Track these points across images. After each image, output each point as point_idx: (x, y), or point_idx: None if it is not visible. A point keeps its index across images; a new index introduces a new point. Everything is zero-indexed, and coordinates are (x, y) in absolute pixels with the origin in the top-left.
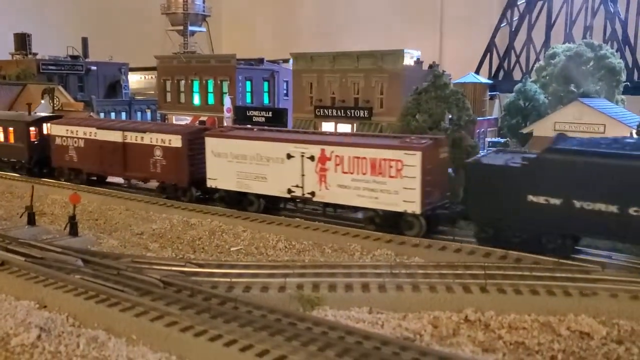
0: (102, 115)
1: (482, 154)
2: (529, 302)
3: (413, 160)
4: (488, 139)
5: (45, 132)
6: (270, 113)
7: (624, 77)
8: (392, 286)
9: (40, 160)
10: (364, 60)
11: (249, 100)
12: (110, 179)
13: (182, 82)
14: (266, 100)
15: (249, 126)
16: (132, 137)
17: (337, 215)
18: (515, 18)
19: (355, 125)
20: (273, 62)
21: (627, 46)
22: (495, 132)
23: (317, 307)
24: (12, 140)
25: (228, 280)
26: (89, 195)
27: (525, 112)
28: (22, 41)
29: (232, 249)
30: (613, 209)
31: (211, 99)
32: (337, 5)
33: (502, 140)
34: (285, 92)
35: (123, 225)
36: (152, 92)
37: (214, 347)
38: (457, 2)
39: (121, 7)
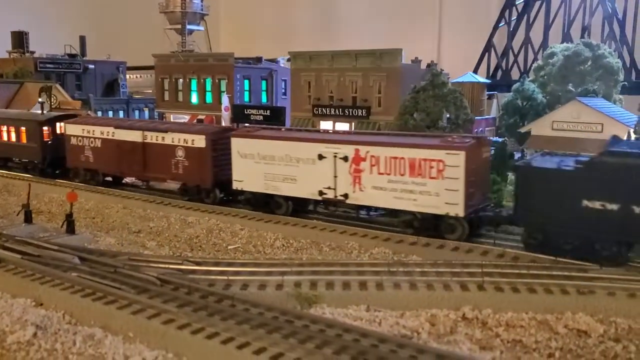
0: (99, 113)
1: (528, 157)
2: (527, 300)
3: (456, 161)
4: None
5: (58, 131)
6: (268, 112)
7: (621, 76)
8: (390, 284)
9: (53, 161)
10: (362, 59)
11: (247, 99)
12: (126, 179)
13: (180, 81)
14: (264, 99)
15: (276, 126)
16: (152, 137)
17: (371, 219)
18: (514, 18)
19: (353, 124)
20: (271, 61)
21: (624, 46)
22: (493, 132)
23: (314, 305)
24: (24, 140)
25: (225, 278)
26: (86, 193)
27: (523, 111)
28: (20, 39)
29: (229, 247)
30: None
31: (209, 98)
32: (335, 4)
33: (500, 139)
34: (283, 91)
35: (120, 223)
36: (150, 91)
37: (211, 345)
38: (456, 1)
39: (119, 6)
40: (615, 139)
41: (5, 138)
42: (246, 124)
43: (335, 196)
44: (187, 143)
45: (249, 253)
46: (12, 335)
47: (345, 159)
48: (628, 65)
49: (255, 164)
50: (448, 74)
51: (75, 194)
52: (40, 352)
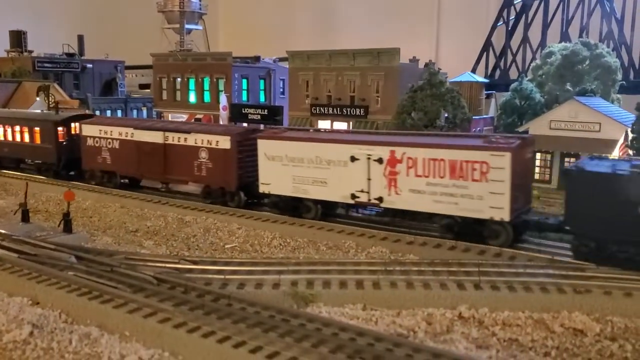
0: (97, 112)
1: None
2: (523, 299)
3: (501, 162)
4: None
5: (73, 132)
6: (265, 111)
7: (619, 76)
8: (387, 283)
9: (68, 162)
10: (360, 59)
11: (245, 98)
12: (144, 182)
13: (178, 80)
14: (262, 99)
15: (305, 127)
16: (174, 138)
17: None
18: (512, 17)
19: (351, 123)
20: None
21: (623, 45)
22: (491, 131)
23: (311, 303)
24: (38, 140)
25: (222, 277)
26: (84, 192)
27: (521, 110)
28: (18, 38)
29: (226, 246)
30: None
31: (207, 97)
32: (333, 4)
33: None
34: (281, 90)
35: (117, 222)
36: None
37: (207, 344)
38: (454, 1)
39: (117, 5)
40: None
41: (18, 139)
42: (274, 126)
43: (369, 200)
44: (210, 144)
45: (246, 252)
46: (8, 334)
47: (380, 160)
48: (626, 65)
49: (283, 167)
50: (446, 74)
51: (72, 193)
52: (36, 351)
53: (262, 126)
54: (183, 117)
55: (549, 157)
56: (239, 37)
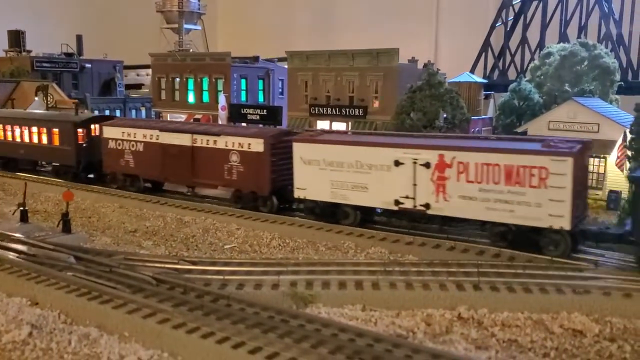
0: (96, 112)
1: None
2: (522, 300)
3: (562, 168)
4: None
5: (93, 133)
6: (264, 111)
7: (618, 76)
8: (386, 284)
9: (88, 165)
10: (359, 59)
11: (243, 98)
12: (167, 185)
13: (177, 80)
14: (261, 99)
15: (341, 129)
16: (203, 141)
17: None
18: (511, 17)
19: (350, 123)
20: (268, 60)
21: (621, 46)
22: (490, 132)
23: (310, 304)
24: (56, 142)
25: (221, 277)
26: (83, 192)
27: (520, 111)
28: (16, 38)
29: (225, 246)
30: None
31: (206, 97)
32: (332, 4)
33: None
34: (280, 90)
35: (116, 222)
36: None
37: (206, 344)
38: (453, 1)
39: (116, 5)
40: None
41: (35, 140)
42: (310, 129)
43: (415, 206)
44: (242, 147)
45: (245, 252)
46: (7, 335)
47: (427, 165)
48: (624, 66)
49: (321, 171)
50: (445, 74)
51: (71, 193)
52: (35, 351)
53: (295, 128)
54: (182, 117)
55: None
56: (237, 37)
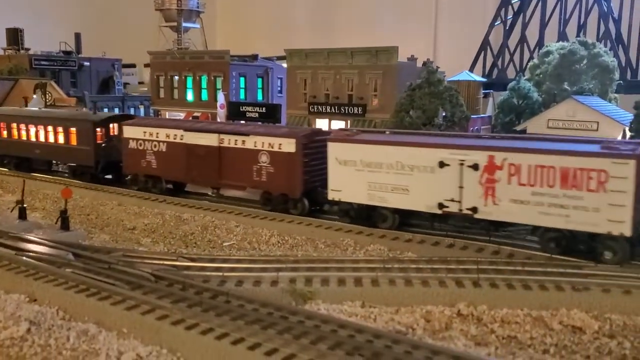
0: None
1: None
2: (522, 296)
3: (624, 171)
4: None
5: (111, 133)
6: (263, 109)
7: (617, 75)
8: (385, 280)
9: (106, 165)
10: (358, 57)
11: (242, 96)
12: (189, 187)
13: (176, 78)
14: (260, 97)
15: (378, 129)
16: (230, 141)
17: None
18: (510, 16)
19: (349, 122)
20: (267, 59)
21: (620, 45)
22: (489, 130)
23: (309, 301)
24: (74, 142)
25: (220, 274)
26: (81, 190)
27: (519, 109)
28: (15, 36)
29: (224, 243)
30: None
31: (204, 95)
32: (331, 2)
33: None
34: (279, 88)
35: (115, 220)
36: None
37: (205, 341)
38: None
39: (115, 3)
40: None
41: (51, 140)
42: (344, 128)
43: (460, 210)
44: (272, 147)
45: (244, 250)
46: (6, 331)
47: (475, 167)
48: (623, 64)
49: (357, 172)
50: (444, 72)
51: (70, 191)
52: (33, 347)
53: (328, 127)
54: (181, 115)
55: None
56: (236, 35)
